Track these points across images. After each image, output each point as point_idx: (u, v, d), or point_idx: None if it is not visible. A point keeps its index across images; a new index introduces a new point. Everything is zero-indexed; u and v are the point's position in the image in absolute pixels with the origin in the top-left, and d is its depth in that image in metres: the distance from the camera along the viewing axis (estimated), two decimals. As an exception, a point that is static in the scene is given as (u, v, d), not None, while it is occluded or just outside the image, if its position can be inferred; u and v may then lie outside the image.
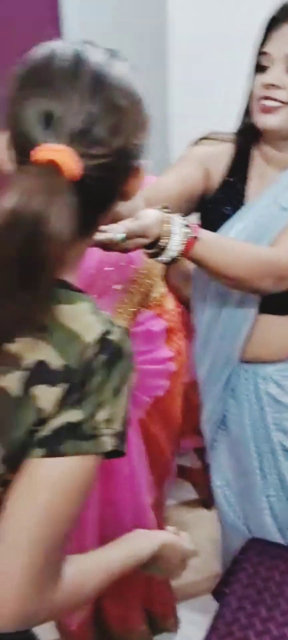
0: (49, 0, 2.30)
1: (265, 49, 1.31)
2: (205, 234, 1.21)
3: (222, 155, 1.46)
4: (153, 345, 1.70)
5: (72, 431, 0.71)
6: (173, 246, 1.14)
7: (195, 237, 1.18)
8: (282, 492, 1.52)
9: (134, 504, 1.71)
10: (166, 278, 1.77)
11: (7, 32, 2.10)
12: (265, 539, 1.54)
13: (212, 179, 1.44)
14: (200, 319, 1.54)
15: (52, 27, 2.19)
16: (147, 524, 1.73)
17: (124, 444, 0.76)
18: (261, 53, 1.33)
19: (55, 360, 0.71)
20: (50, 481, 0.71)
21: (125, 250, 1.14)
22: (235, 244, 1.33)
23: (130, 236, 1.10)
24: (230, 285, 1.34)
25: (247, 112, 1.39)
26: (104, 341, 0.72)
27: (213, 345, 1.50)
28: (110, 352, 0.72)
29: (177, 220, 1.15)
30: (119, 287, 1.62)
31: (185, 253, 1.17)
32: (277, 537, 1.54)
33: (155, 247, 1.15)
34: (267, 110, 1.31)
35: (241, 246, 1.32)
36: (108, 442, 0.73)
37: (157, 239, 1.13)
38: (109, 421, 0.72)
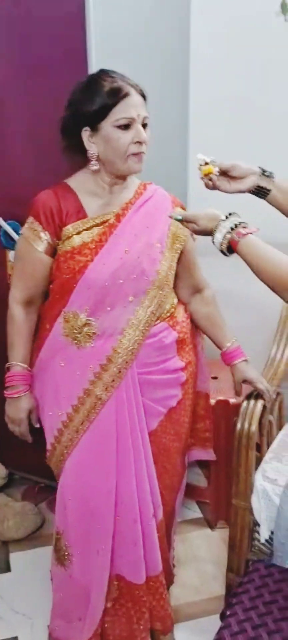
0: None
1: None
2: (250, 239, 1.37)
3: None
4: (166, 356, 1.68)
5: None
6: (217, 242, 1.42)
7: (238, 240, 1.37)
8: None
9: (140, 517, 1.67)
10: (175, 290, 1.75)
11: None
12: (270, 563, 1.49)
13: None
14: None
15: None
16: (153, 538, 1.69)
17: None
18: None
19: None
20: None
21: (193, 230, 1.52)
22: (275, 254, 1.36)
23: (185, 220, 1.51)
24: (270, 289, 1.39)
25: None
26: None
27: None
28: None
29: (228, 222, 1.40)
30: (131, 298, 1.59)
31: (234, 250, 1.40)
32: None
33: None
34: None
35: (280, 257, 1.34)
36: None
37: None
38: None
